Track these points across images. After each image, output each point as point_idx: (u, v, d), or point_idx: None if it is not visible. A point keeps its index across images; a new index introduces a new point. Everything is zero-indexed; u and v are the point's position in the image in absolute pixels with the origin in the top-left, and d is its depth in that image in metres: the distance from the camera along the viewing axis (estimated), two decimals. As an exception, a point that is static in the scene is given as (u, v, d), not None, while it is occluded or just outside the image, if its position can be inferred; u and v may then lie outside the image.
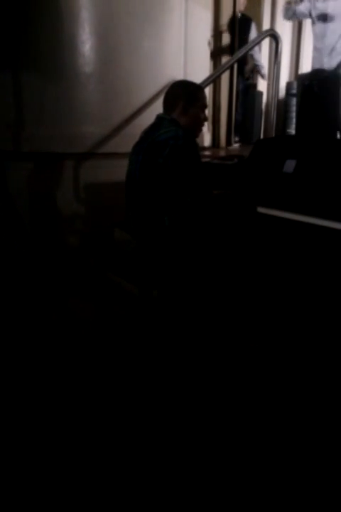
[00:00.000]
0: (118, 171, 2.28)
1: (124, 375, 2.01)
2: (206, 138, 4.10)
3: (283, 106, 5.05)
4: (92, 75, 3.06)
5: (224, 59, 4.15)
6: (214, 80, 3.51)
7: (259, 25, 5.38)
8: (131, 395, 1.88)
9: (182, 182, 1.88)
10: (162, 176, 1.87)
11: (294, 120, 4.57)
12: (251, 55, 4.81)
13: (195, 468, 1.50)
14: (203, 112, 2.08)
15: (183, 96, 2.00)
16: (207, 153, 3.65)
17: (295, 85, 4.53)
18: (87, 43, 3.02)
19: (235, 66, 4.20)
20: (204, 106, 2.09)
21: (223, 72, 3.67)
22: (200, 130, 2.13)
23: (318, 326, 2.05)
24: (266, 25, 5.37)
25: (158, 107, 2.17)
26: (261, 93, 5.11)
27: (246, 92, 5.04)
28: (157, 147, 1.89)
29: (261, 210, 2.07)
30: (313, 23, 4.05)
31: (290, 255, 2.11)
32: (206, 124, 4.04)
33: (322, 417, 1.73)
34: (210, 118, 4.23)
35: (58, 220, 3.08)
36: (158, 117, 2.04)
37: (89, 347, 2.23)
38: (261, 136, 4.59)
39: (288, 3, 4.22)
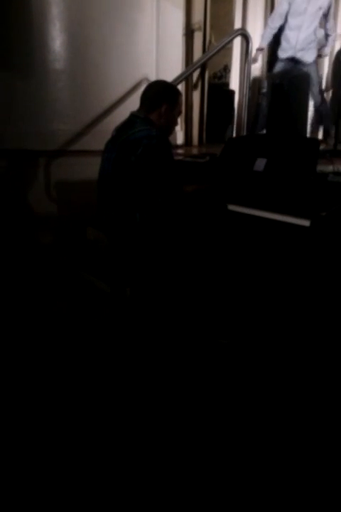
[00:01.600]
0: (91, 168, 2.27)
1: (98, 372, 2.02)
2: (179, 136, 4.12)
3: (254, 104, 5.11)
4: (63, 72, 3.04)
5: (196, 57, 4.17)
6: (186, 78, 3.53)
7: (231, 25, 5.42)
8: (106, 392, 1.89)
9: (154, 181, 1.90)
10: (134, 174, 1.88)
11: (265, 119, 4.63)
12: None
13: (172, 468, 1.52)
14: (179, 115, 2.14)
15: (168, 98, 2.03)
16: (180, 151, 3.67)
17: (265, 84, 4.59)
18: (57, 40, 2.99)
19: (207, 65, 4.23)
20: (181, 111, 2.15)
21: (195, 70, 3.70)
22: (173, 131, 2.17)
23: (286, 318, 2.11)
24: (237, 24, 5.41)
25: (130, 105, 2.17)
26: (233, 92, 5.16)
27: (219, 90, 5.08)
28: (130, 145, 1.90)
29: (231, 207, 2.10)
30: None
31: (260, 252, 2.15)
32: (179, 122, 4.08)
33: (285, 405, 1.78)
34: (183, 117, 4.25)
35: (30, 217, 3.04)
36: (132, 115, 2.05)
37: (62, 345, 2.23)
38: (233, 135, 4.63)
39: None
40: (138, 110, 2.06)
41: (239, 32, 3.58)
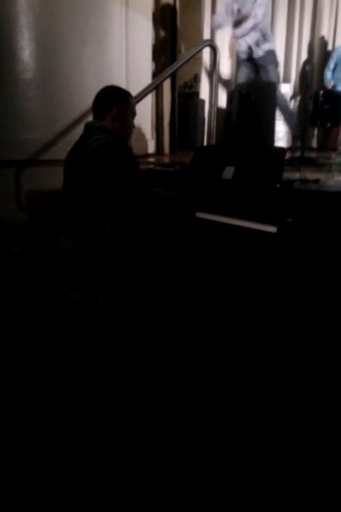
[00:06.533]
0: (61, 178, 2.26)
1: (72, 380, 2.01)
2: (150, 145, 4.15)
3: (224, 114, 5.20)
4: (32, 82, 3.02)
5: (166, 67, 4.22)
6: (156, 87, 3.57)
7: (200, 36, 5.51)
8: (80, 400, 1.88)
9: (119, 188, 1.90)
10: (98, 183, 1.88)
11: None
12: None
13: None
14: (133, 117, 2.13)
15: (116, 102, 2.03)
16: (150, 160, 3.70)
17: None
18: (25, 49, 2.98)
19: (176, 74, 4.29)
20: (134, 112, 2.13)
21: (165, 79, 3.74)
22: (131, 135, 2.17)
23: (251, 316, 2.16)
24: (206, 36, 5.50)
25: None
26: (203, 101, 5.23)
27: (189, 99, 5.14)
28: (89, 156, 1.89)
29: (200, 215, 2.13)
30: None
31: (228, 258, 2.19)
32: (150, 131, 4.12)
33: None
34: (154, 126, 4.29)
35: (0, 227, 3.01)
36: (87, 125, 2.05)
37: (32, 356, 2.21)
38: (204, 143, 4.70)
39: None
40: (93, 120, 2.06)
41: (207, 43, 3.65)
